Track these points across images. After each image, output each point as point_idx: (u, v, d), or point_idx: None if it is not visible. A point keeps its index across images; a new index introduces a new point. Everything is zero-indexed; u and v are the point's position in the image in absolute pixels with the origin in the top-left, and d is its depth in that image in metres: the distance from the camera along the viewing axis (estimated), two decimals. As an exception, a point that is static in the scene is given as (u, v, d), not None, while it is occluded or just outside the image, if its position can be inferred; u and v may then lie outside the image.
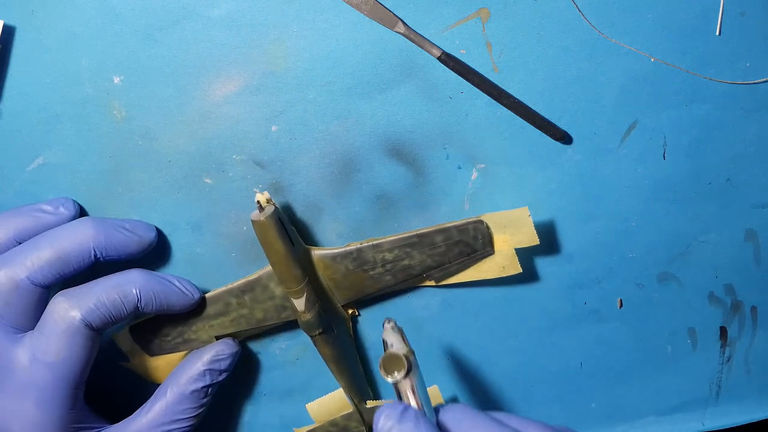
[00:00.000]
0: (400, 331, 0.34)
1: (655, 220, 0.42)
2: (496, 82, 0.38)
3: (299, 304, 0.38)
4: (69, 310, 0.35)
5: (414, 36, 0.37)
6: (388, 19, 0.36)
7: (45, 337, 0.35)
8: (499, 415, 0.32)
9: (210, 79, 0.37)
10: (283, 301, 0.39)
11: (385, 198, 0.40)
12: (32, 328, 0.36)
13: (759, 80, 0.40)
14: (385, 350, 0.33)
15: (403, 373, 0.31)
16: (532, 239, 0.38)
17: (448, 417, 0.32)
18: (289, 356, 0.44)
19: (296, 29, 0.37)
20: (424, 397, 0.32)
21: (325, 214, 0.40)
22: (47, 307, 0.35)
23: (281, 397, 0.45)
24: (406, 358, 0.32)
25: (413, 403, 0.31)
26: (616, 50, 0.38)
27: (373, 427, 0.31)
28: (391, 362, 0.32)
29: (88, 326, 0.35)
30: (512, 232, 0.38)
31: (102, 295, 0.35)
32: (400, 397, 0.32)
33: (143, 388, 0.42)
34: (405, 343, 0.33)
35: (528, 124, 0.39)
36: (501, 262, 0.39)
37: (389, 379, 0.31)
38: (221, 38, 0.37)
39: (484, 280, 0.40)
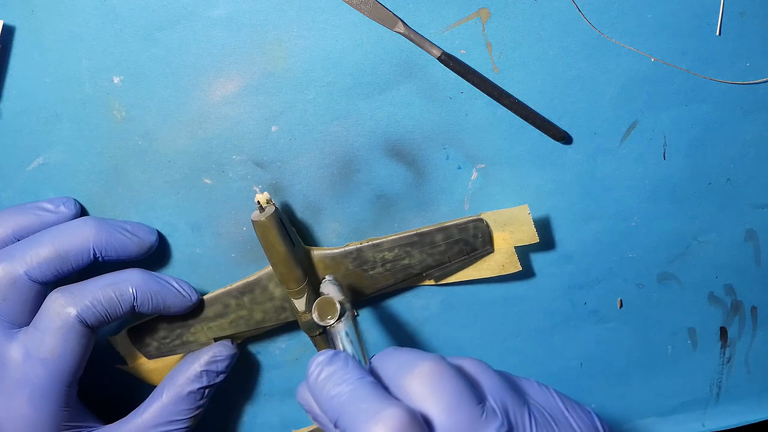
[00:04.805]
0: (339, 285, 0.35)
1: (655, 220, 0.42)
2: (496, 82, 0.38)
3: (299, 304, 0.38)
4: (65, 307, 0.35)
5: (414, 36, 0.37)
6: (388, 19, 0.36)
7: (40, 333, 0.35)
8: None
9: (210, 80, 0.37)
10: (282, 302, 0.39)
11: (385, 198, 0.40)
12: (28, 324, 0.36)
13: (759, 80, 0.40)
14: None
15: (335, 318, 0.33)
16: (531, 237, 0.38)
17: (376, 359, 0.32)
18: (289, 356, 0.44)
19: (296, 29, 0.37)
20: (357, 343, 0.33)
21: (325, 215, 0.40)
22: (43, 303, 0.35)
23: (281, 398, 0.45)
24: (340, 304, 0.33)
25: (344, 347, 0.32)
26: (616, 50, 0.38)
27: (306, 375, 0.31)
28: (324, 307, 0.33)
29: (83, 323, 0.35)
30: (512, 230, 0.38)
31: (98, 292, 0.35)
32: (333, 343, 0.33)
33: (140, 391, 0.42)
34: (341, 293, 0.34)
35: (528, 124, 0.39)
36: (501, 261, 0.39)
37: (321, 323, 0.33)
38: (221, 38, 0.37)
39: (484, 279, 0.41)
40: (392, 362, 0.30)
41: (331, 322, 0.33)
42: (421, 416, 0.27)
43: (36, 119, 0.37)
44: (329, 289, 0.35)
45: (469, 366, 0.31)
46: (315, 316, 0.33)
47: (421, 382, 0.28)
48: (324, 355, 0.30)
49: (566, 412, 0.32)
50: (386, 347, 0.43)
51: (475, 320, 0.44)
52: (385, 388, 0.29)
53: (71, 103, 0.37)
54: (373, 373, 0.31)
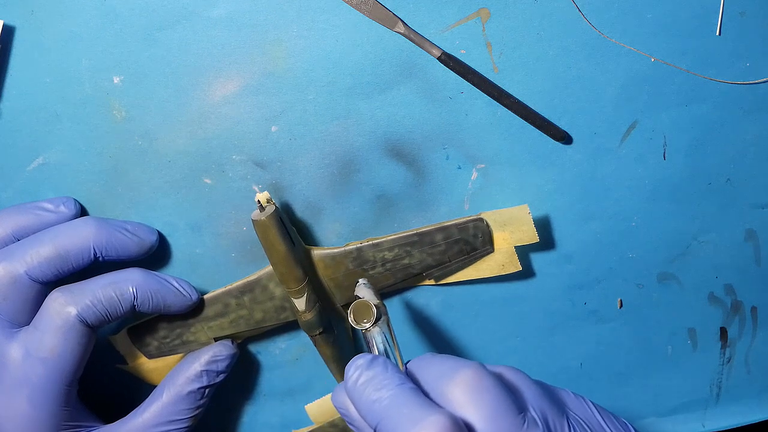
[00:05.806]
0: (373, 288, 0.35)
1: (655, 220, 0.42)
2: (496, 82, 0.38)
3: (300, 304, 0.38)
4: (65, 306, 0.35)
5: (414, 36, 0.37)
6: (388, 19, 0.36)
7: (39, 332, 0.35)
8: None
9: (210, 80, 0.37)
10: (282, 302, 0.39)
11: (385, 198, 0.40)
12: (28, 324, 0.36)
13: (759, 80, 0.40)
14: None
15: (371, 321, 0.32)
16: (531, 237, 0.38)
17: (413, 364, 0.32)
18: (289, 356, 0.44)
19: (296, 29, 0.37)
20: (392, 347, 0.33)
21: (325, 214, 0.40)
22: (44, 302, 0.35)
23: (281, 398, 0.45)
24: (377, 307, 0.33)
25: (380, 351, 0.32)
26: (616, 50, 0.38)
27: (345, 379, 0.31)
28: (360, 311, 0.33)
29: (84, 323, 0.35)
30: (512, 229, 0.38)
31: (98, 292, 0.35)
32: (369, 347, 0.33)
33: (140, 391, 0.42)
34: (376, 296, 0.34)
35: (528, 124, 0.39)
36: (500, 260, 0.39)
37: (358, 327, 0.33)
38: (221, 38, 0.37)
39: (484, 279, 0.41)
40: (432, 369, 0.30)
41: (367, 325, 0.33)
42: (463, 424, 0.27)
43: (36, 119, 0.37)
44: (364, 292, 0.35)
45: (508, 374, 0.31)
46: (351, 320, 0.33)
47: (462, 390, 0.28)
48: (363, 359, 0.30)
49: (603, 423, 0.32)
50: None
51: (475, 320, 0.44)
52: (425, 395, 0.29)
53: (71, 103, 0.37)
54: (410, 378, 0.31)
